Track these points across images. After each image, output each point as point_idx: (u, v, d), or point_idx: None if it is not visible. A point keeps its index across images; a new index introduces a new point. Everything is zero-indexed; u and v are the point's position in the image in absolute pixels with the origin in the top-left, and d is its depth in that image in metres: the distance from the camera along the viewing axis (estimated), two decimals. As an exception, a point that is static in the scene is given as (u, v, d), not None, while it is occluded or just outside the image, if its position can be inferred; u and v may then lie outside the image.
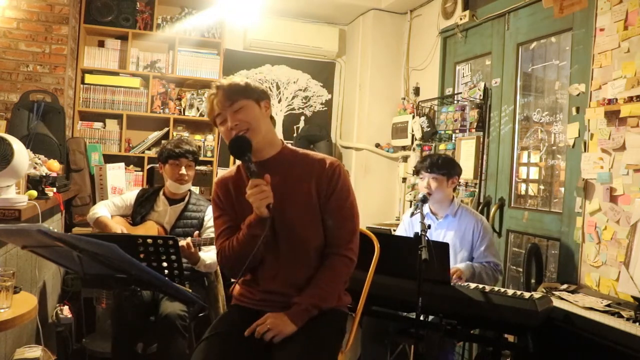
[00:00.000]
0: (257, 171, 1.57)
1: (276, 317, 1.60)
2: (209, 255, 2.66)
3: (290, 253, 1.69)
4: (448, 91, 3.80)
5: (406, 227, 2.77)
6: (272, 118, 1.77)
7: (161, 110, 4.16)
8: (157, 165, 2.93)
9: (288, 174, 1.69)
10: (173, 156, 2.75)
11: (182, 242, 2.41)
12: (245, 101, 1.65)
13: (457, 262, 2.52)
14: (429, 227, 1.98)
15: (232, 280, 1.96)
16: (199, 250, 2.66)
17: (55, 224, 3.18)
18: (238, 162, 1.72)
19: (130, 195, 2.90)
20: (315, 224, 1.70)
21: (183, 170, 2.76)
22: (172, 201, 2.83)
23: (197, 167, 3.95)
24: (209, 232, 2.75)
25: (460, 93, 3.53)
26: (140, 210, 2.82)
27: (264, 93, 1.72)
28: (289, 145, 1.78)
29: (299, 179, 1.69)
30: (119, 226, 2.71)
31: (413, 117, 4.03)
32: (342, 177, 1.71)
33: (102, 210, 2.77)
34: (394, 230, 2.94)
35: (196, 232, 2.68)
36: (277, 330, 1.56)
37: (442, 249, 2.13)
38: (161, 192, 2.87)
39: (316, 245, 1.71)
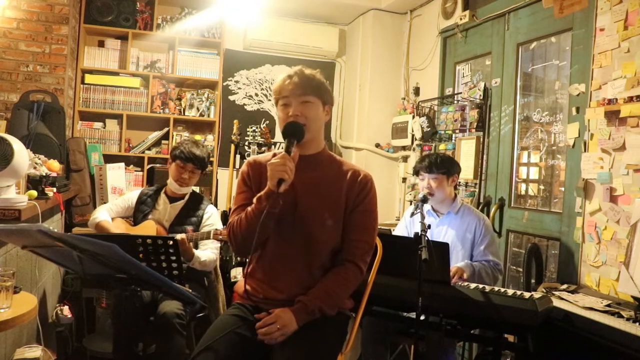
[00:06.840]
0: (292, 153, 1.60)
1: (284, 313, 1.60)
2: (205, 253, 2.69)
3: (302, 250, 1.69)
4: (448, 91, 3.80)
5: (406, 225, 2.77)
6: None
7: (161, 110, 4.16)
8: (168, 160, 2.94)
9: (323, 173, 1.73)
10: (182, 158, 2.78)
11: (177, 237, 2.42)
12: (314, 98, 1.70)
13: (458, 261, 2.51)
14: (429, 227, 1.98)
15: (239, 257, 1.99)
16: (197, 247, 2.68)
17: (55, 224, 3.18)
18: (262, 155, 1.82)
19: (132, 195, 2.91)
20: (333, 228, 1.71)
21: (186, 175, 2.79)
22: (172, 199, 2.86)
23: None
24: (207, 229, 2.77)
25: (460, 93, 3.53)
26: (143, 208, 2.84)
27: (331, 98, 1.78)
28: (328, 150, 1.83)
29: (332, 181, 1.74)
30: (118, 230, 2.72)
31: (413, 117, 4.03)
32: (371, 192, 1.76)
33: (102, 215, 2.79)
34: (394, 230, 2.93)
35: (190, 228, 2.71)
36: (283, 331, 1.57)
37: (442, 249, 2.13)
38: (162, 191, 2.90)
39: (328, 249, 1.72)
